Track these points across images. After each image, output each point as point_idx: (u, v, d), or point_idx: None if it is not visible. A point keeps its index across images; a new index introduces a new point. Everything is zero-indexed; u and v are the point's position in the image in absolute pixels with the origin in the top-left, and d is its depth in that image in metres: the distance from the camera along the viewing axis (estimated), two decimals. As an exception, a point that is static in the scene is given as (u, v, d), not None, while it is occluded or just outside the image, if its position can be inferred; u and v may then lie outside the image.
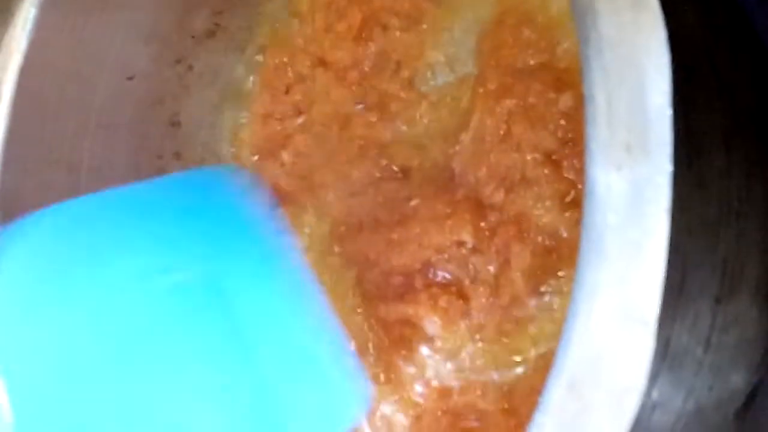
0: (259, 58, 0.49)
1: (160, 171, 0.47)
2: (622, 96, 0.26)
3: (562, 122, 0.39)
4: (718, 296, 0.31)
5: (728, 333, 0.31)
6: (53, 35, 0.40)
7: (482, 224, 0.40)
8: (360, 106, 0.45)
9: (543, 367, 0.27)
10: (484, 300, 0.40)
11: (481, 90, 0.41)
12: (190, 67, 0.47)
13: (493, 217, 0.40)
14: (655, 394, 0.30)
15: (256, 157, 0.48)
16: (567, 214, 0.39)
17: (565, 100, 0.38)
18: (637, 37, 0.26)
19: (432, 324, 0.41)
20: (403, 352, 0.42)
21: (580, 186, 0.37)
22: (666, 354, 0.30)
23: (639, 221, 0.26)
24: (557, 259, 0.39)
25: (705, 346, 0.31)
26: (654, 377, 0.30)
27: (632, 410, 0.26)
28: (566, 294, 0.35)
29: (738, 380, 0.33)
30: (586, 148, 0.27)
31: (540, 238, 0.39)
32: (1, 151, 0.40)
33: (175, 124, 0.47)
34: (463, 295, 0.40)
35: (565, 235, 0.39)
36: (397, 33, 0.44)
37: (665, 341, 0.30)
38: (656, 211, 0.25)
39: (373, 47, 0.45)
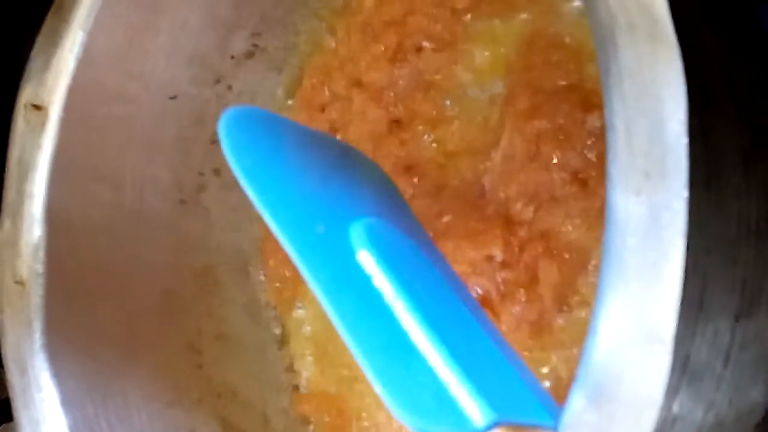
0: (297, 78, 0.50)
1: (201, 187, 0.48)
2: (640, 124, 0.27)
3: (590, 142, 0.39)
4: (737, 314, 0.31)
5: (747, 349, 0.32)
6: (100, 57, 0.41)
7: (512, 240, 0.41)
8: (394, 125, 0.46)
9: (569, 380, 0.28)
10: (512, 314, 0.40)
11: (510, 110, 0.42)
12: (230, 87, 0.48)
13: (522, 233, 0.41)
14: (675, 408, 0.30)
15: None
16: (593, 232, 0.39)
17: (593, 121, 0.39)
18: (654, 68, 0.27)
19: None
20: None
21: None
22: (686, 369, 0.30)
23: (657, 244, 0.26)
24: (584, 276, 0.39)
25: (724, 362, 0.31)
26: (674, 391, 0.30)
27: (651, 425, 0.27)
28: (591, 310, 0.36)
29: (757, 395, 0.33)
30: (606, 174, 0.27)
31: (567, 255, 0.39)
32: (49, 166, 0.41)
33: (215, 142, 0.47)
34: (492, 309, 0.41)
35: (591, 252, 0.39)
36: (430, 54, 0.45)
37: (685, 357, 0.30)
38: (673, 235, 0.26)
39: (406, 68, 0.45)
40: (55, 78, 0.40)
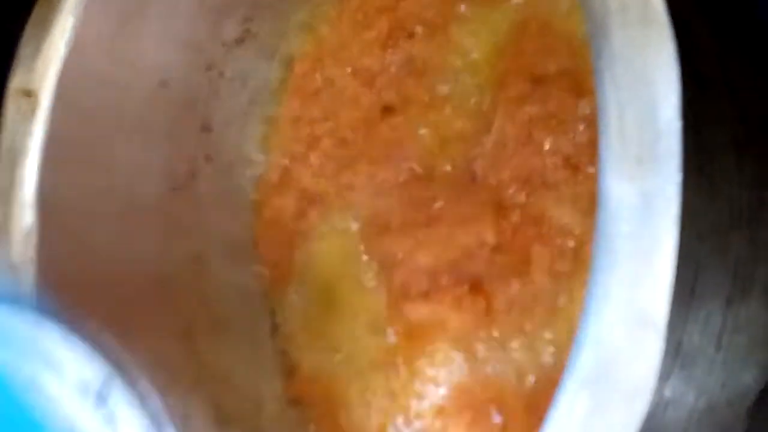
0: (288, 63, 0.50)
1: (193, 174, 0.48)
2: (633, 109, 0.27)
3: (582, 127, 0.39)
4: (729, 298, 0.31)
5: (740, 333, 0.32)
6: (91, 43, 0.41)
7: (504, 224, 0.41)
8: (386, 111, 0.46)
9: (563, 366, 0.28)
10: (506, 299, 0.41)
11: (502, 95, 0.42)
12: (221, 73, 0.48)
13: (514, 218, 0.41)
14: (667, 392, 0.31)
15: (285, 160, 0.49)
16: (586, 218, 0.39)
17: (584, 107, 0.39)
18: (647, 52, 0.27)
19: (455, 323, 0.42)
20: (427, 349, 0.43)
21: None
22: (678, 353, 0.30)
23: (649, 230, 0.26)
24: (576, 260, 0.39)
25: (716, 346, 0.31)
26: (666, 376, 0.30)
27: (643, 409, 0.27)
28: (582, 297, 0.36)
29: (749, 379, 0.33)
30: (599, 160, 0.27)
31: (560, 240, 0.40)
32: (40, 153, 0.41)
33: (206, 128, 0.48)
34: (486, 294, 0.41)
35: (584, 237, 0.39)
36: (422, 40, 0.45)
37: (677, 341, 0.30)
38: (666, 220, 0.26)
39: (399, 54, 0.45)
40: (46, 64, 0.40)
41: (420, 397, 0.43)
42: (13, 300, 0.38)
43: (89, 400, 0.33)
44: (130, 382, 0.33)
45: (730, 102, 0.31)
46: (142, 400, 0.33)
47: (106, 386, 0.33)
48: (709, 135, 0.30)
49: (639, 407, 0.27)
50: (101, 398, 0.33)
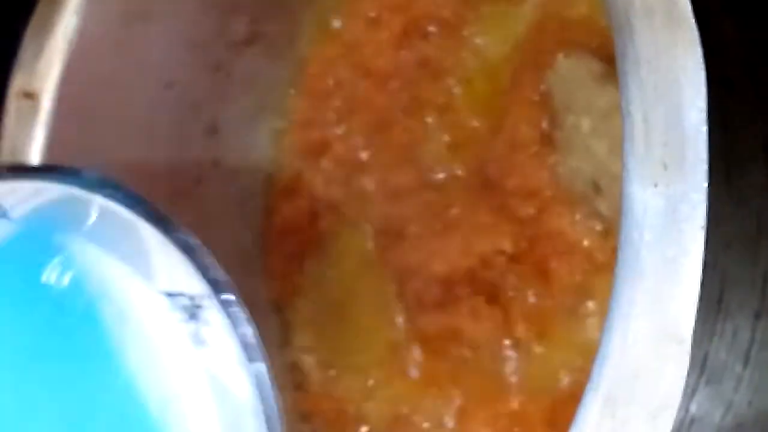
0: (299, 65, 0.49)
1: (198, 179, 0.48)
2: (658, 113, 0.26)
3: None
4: (758, 311, 0.30)
5: (768, 349, 0.31)
6: (94, 44, 0.41)
7: (521, 233, 0.40)
8: (399, 113, 0.45)
9: (583, 379, 0.28)
10: (524, 311, 0.40)
11: (516, 95, 0.41)
12: (229, 74, 0.47)
13: (531, 227, 0.40)
14: (693, 409, 0.30)
15: (295, 165, 0.48)
16: (600, 229, 0.39)
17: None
18: (673, 54, 0.26)
19: (472, 334, 0.41)
20: (444, 361, 0.42)
21: (614, 203, 0.37)
22: (704, 369, 0.30)
23: (675, 238, 0.26)
24: (597, 271, 0.39)
25: (744, 362, 0.31)
26: (692, 392, 0.30)
27: (667, 427, 0.26)
28: (604, 309, 0.36)
29: (778, 395, 0.33)
30: (623, 165, 0.27)
31: (576, 253, 0.39)
32: (42, 156, 0.40)
33: (213, 131, 0.47)
34: (503, 306, 0.41)
35: (600, 251, 0.39)
36: (437, 40, 0.44)
37: (703, 356, 0.30)
38: (692, 228, 0.25)
39: (412, 55, 0.45)
40: (48, 66, 0.39)
41: (438, 408, 0.42)
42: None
43: (177, 314, 0.31)
44: (226, 303, 0.31)
45: (758, 105, 0.31)
46: (236, 326, 0.31)
47: (199, 302, 0.31)
48: (737, 139, 0.30)
49: (663, 425, 0.26)
50: (192, 315, 0.31)
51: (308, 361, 0.47)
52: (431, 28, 0.44)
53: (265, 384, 0.30)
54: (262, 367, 0.31)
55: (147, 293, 0.31)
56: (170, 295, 0.31)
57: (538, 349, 0.40)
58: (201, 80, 0.47)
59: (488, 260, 0.41)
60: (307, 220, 0.47)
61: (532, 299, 0.40)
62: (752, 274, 0.30)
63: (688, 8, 0.26)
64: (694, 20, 0.26)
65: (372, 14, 0.46)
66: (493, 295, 0.41)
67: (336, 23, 0.48)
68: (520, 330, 0.40)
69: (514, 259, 0.41)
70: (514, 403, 0.40)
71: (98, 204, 0.33)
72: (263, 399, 0.30)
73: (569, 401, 0.38)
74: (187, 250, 0.32)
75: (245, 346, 0.31)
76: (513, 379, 0.40)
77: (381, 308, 0.44)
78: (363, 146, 0.46)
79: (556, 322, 0.39)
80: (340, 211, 0.46)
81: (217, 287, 0.31)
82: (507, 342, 0.40)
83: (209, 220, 0.47)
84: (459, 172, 0.43)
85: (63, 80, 0.40)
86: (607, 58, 0.32)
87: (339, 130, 0.47)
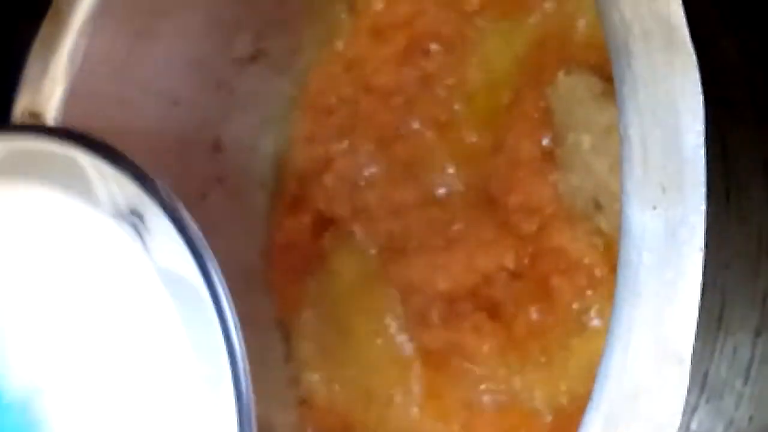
0: (302, 82, 0.49)
1: (203, 195, 0.48)
2: (656, 136, 0.26)
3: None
4: (758, 329, 0.30)
5: (768, 366, 0.31)
6: (99, 63, 0.41)
7: (523, 250, 0.40)
8: (402, 130, 0.45)
9: (585, 396, 0.28)
10: (526, 327, 0.40)
11: (518, 112, 0.41)
12: (232, 92, 0.47)
13: (533, 244, 0.40)
14: (694, 426, 0.30)
15: (298, 181, 0.48)
16: (601, 246, 0.39)
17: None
18: (670, 78, 0.26)
19: (475, 350, 0.41)
20: (448, 378, 0.42)
21: (614, 221, 0.37)
22: (705, 386, 0.30)
23: (674, 261, 0.26)
24: (598, 289, 0.39)
25: (744, 379, 0.31)
26: (692, 409, 0.30)
27: (668, 445, 0.26)
28: (606, 328, 0.36)
29: (779, 412, 0.33)
30: (621, 188, 0.27)
31: (578, 269, 0.39)
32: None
33: (217, 148, 0.47)
34: (506, 322, 0.41)
35: (601, 268, 0.39)
36: (438, 58, 0.44)
37: (704, 374, 0.29)
38: (691, 250, 0.26)
39: (415, 72, 0.45)
40: (52, 85, 0.39)
41: (441, 426, 0.43)
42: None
43: (123, 217, 0.34)
44: (166, 206, 0.34)
45: (758, 126, 0.31)
46: (179, 227, 0.34)
47: (140, 205, 0.34)
48: (737, 159, 0.29)
49: (664, 442, 0.26)
50: (137, 215, 0.33)
51: (312, 376, 0.47)
52: (433, 46, 0.44)
53: (214, 270, 0.34)
54: (208, 255, 0.34)
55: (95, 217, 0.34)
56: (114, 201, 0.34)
57: (539, 366, 0.40)
58: (205, 98, 0.47)
59: (490, 276, 0.41)
60: (311, 235, 0.47)
61: (534, 315, 0.40)
62: (752, 291, 0.30)
63: (686, 32, 0.26)
64: (691, 44, 0.26)
65: (374, 31, 0.46)
66: (495, 312, 0.41)
67: (338, 41, 0.48)
68: (522, 346, 0.40)
69: (516, 275, 0.41)
70: (516, 420, 0.40)
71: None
72: (211, 284, 0.34)
73: (570, 419, 0.38)
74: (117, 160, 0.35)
75: (188, 239, 0.34)
76: (515, 395, 0.40)
77: (384, 324, 0.44)
78: (365, 162, 0.46)
79: (557, 339, 0.39)
80: (343, 226, 0.46)
81: (153, 192, 0.34)
82: (509, 358, 0.41)
83: (213, 235, 0.47)
84: (461, 189, 0.43)
85: (68, 100, 0.40)
86: (608, 76, 0.32)
87: (342, 147, 0.47)
